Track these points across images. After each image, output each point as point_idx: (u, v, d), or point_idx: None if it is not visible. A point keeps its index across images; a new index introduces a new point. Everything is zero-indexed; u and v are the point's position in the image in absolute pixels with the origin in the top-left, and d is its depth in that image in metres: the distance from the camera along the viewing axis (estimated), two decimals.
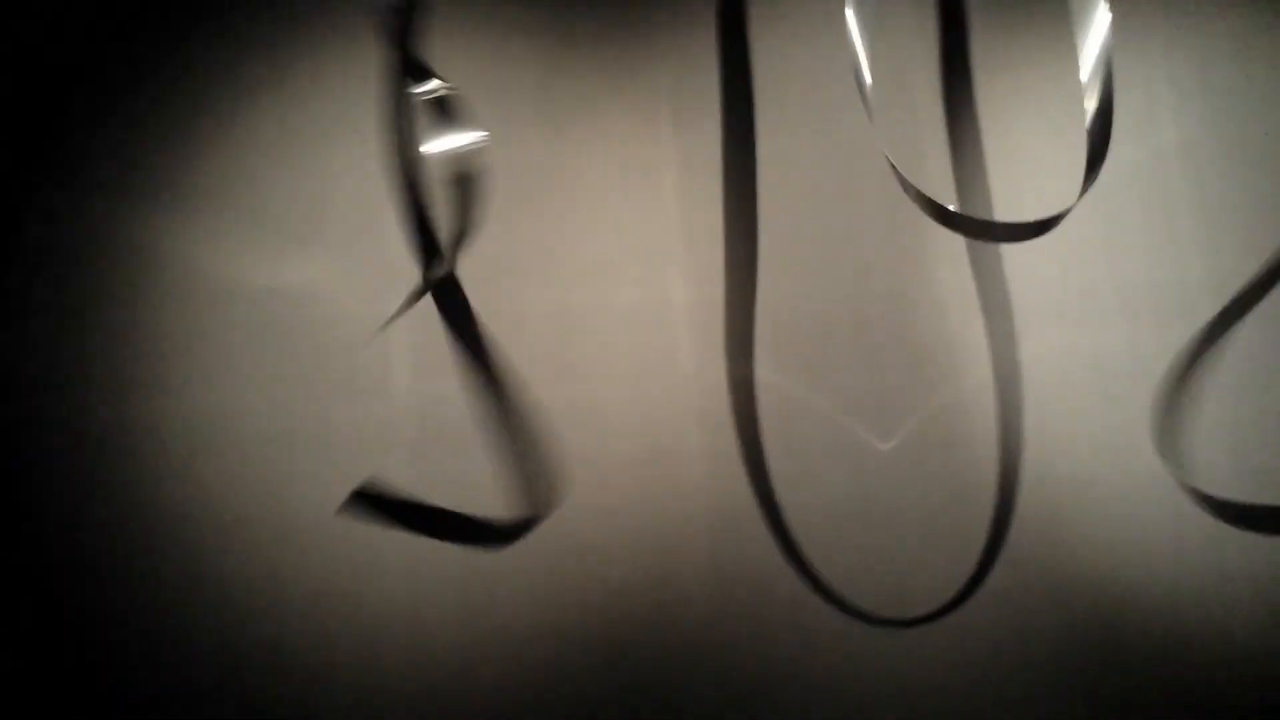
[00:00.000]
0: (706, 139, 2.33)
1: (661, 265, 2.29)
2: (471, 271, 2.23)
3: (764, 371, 2.26)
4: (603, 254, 2.27)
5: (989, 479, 2.28)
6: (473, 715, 2.11)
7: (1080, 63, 2.00)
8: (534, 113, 2.31)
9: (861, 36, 1.94)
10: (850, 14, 1.96)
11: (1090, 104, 2.04)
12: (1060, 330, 2.34)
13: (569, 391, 2.22)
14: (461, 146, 2.00)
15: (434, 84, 2.00)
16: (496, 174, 2.28)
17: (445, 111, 2.02)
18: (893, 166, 1.94)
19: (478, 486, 2.16)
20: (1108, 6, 1.99)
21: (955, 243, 2.35)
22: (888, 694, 2.21)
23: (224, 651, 2.11)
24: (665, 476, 2.23)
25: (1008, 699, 2.23)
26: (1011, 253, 2.34)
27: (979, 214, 2.34)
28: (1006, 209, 2.35)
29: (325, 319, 2.20)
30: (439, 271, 1.99)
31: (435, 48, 2.19)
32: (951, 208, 2.12)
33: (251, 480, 2.15)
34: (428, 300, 2.17)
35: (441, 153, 1.99)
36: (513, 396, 2.18)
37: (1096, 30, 2.02)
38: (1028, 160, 2.38)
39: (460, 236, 2.00)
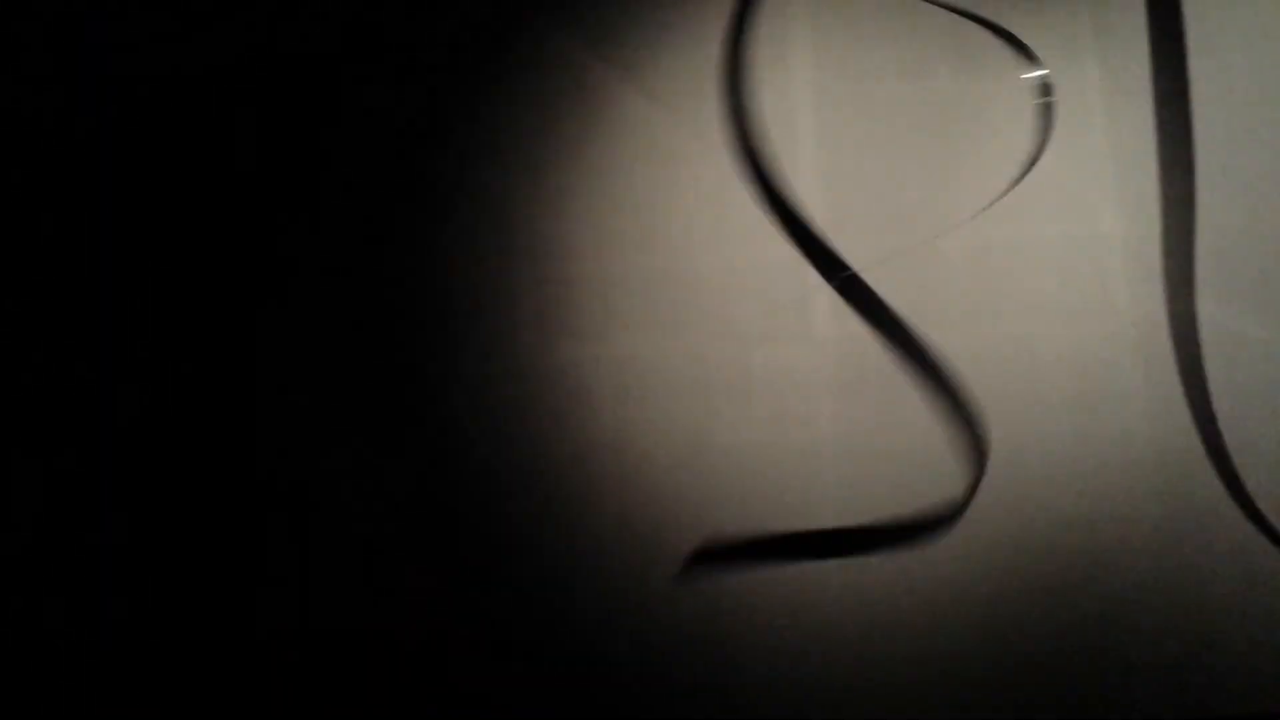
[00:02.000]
0: (1134, 57, 2.17)
1: (1090, 196, 2.16)
2: (886, 211, 2.17)
3: (1207, 306, 2.11)
4: (1023, 186, 2.14)
5: None
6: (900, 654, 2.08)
7: None
8: (944, 45, 2.19)
9: None
10: None
11: None
12: None
13: (993, 333, 2.12)
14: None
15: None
16: (899, 109, 2.21)
17: None
18: None
19: (903, 428, 2.11)
20: None
21: None
22: None
23: (630, 591, 2.11)
24: (1102, 421, 2.12)
25: None
26: None
27: None
28: None
29: (737, 267, 2.16)
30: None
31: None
32: None
33: (672, 424, 2.12)
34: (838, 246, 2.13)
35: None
36: (930, 342, 2.11)
37: None
38: None
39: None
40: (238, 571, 2.10)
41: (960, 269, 2.13)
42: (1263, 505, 2.06)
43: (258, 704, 2.08)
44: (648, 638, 2.09)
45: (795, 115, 2.19)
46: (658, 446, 2.13)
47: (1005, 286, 2.14)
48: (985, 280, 2.14)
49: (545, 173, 2.19)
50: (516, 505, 2.11)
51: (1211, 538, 2.09)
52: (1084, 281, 2.13)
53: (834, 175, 2.18)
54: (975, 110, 2.18)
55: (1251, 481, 2.07)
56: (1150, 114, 2.16)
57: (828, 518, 2.09)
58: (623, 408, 2.13)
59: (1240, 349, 2.11)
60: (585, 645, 2.09)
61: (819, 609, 2.10)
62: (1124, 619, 2.08)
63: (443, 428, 2.13)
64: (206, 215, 2.19)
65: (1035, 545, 2.10)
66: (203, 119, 2.21)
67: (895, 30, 2.21)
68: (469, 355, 2.14)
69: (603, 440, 2.12)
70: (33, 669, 2.09)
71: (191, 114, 2.22)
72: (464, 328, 2.15)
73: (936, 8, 2.18)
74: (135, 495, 2.13)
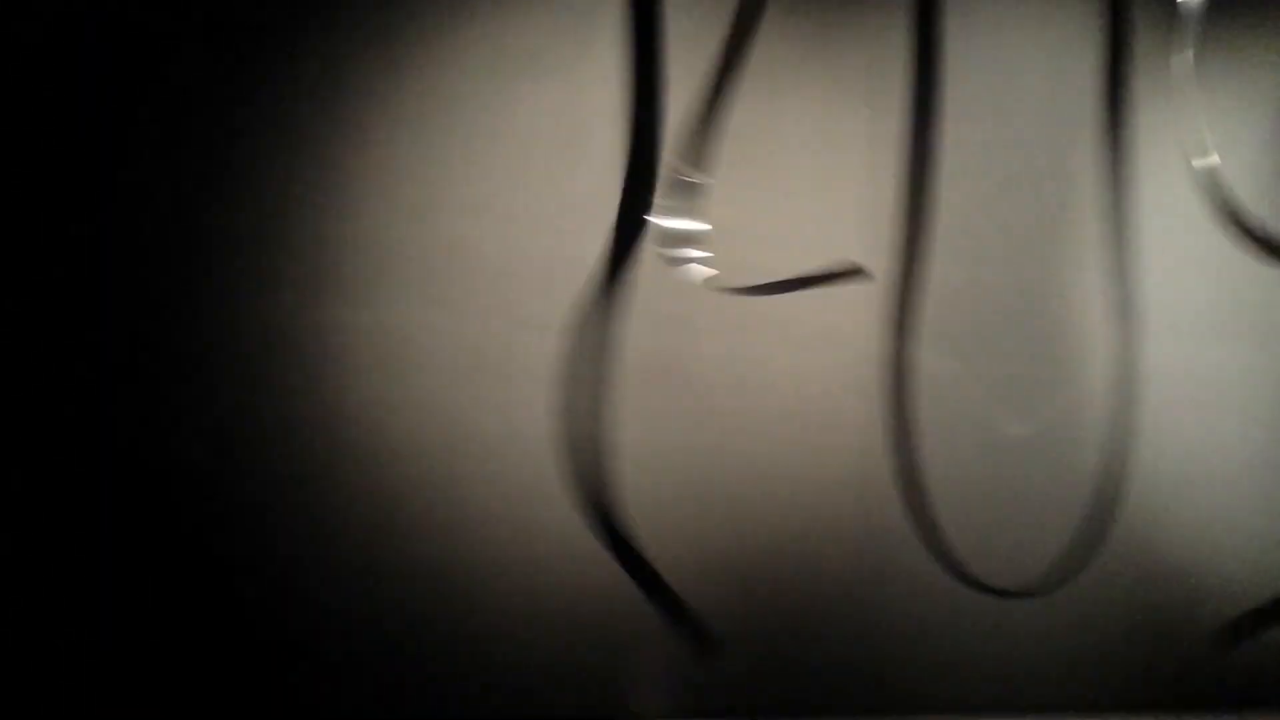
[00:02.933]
0: (892, 120, 2.40)
1: (837, 238, 2.37)
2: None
3: (922, 350, 2.37)
4: (788, 222, 2.33)
5: (1106, 471, 2.46)
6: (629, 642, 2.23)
7: None
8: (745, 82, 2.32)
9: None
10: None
11: None
12: (1182, 343, 2.53)
13: (732, 348, 2.30)
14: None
15: None
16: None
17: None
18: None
19: (653, 428, 2.25)
20: None
21: (1098, 248, 2.50)
22: (998, 660, 2.42)
23: (381, 564, 2.15)
24: (819, 440, 2.35)
25: (1104, 670, 2.47)
26: (1151, 264, 2.50)
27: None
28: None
29: (524, 253, 2.23)
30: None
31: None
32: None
33: (430, 402, 2.17)
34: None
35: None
36: (679, 350, 2.26)
37: None
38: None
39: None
40: None
41: (715, 290, 2.29)
42: (938, 524, 2.35)
43: None
44: (381, 613, 2.14)
45: (601, 110, 2.28)
46: (410, 423, 2.17)
47: (754, 308, 2.31)
48: (739, 301, 2.30)
49: (334, 131, 2.17)
50: (255, 466, 2.10)
51: (896, 556, 2.37)
52: (819, 313, 2.35)
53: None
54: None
55: (935, 505, 2.36)
56: (899, 178, 2.39)
57: (564, 508, 2.21)
58: (380, 380, 2.15)
59: (943, 389, 2.39)
60: (309, 623, 2.13)
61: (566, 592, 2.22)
62: (820, 612, 2.33)
63: (188, 378, 2.09)
64: None
65: (749, 546, 2.30)
66: None
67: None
68: (223, 307, 2.11)
69: (352, 411, 2.14)
70: None
71: None
72: (223, 276, 2.12)
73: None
74: None
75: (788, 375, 2.34)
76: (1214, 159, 2.49)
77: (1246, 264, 2.55)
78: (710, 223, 2.26)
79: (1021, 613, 2.41)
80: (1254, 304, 2.57)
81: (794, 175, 2.36)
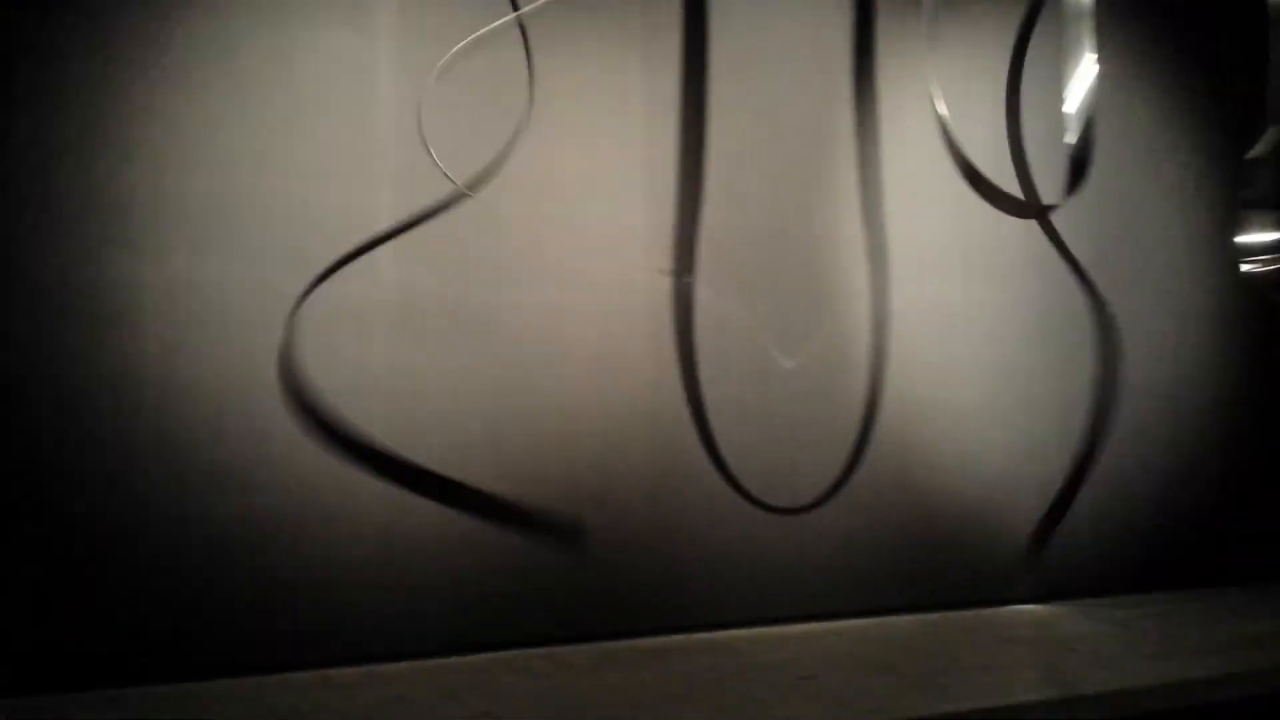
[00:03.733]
0: (669, 83, 2.58)
1: (624, 192, 2.54)
2: (461, 178, 2.38)
3: (702, 288, 2.58)
4: (573, 172, 2.47)
5: (861, 397, 2.77)
6: (440, 574, 2.32)
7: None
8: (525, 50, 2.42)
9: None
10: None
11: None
12: (926, 280, 2.88)
13: (537, 297, 2.43)
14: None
15: None
16: (489, 96, 2.42)
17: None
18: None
19: (449, 374, 2.35)
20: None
21: (853, 199, 2.79)
22: (780, 571, 2.69)
23: (177, 515, 2.14)
24: (615, 374, 2.52)
25: (861, 571, 2.80)
26: (896, 216, 2.82)
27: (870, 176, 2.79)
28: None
29: (314, 202, 2.25)
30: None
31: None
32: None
33: (224, 350, 2.17)
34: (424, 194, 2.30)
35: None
36: (479, 301, 2.37)
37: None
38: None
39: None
40: None
41: (517, 239, 2.40)
42: (721, 448, 2.59)
43: None
44: (181, 562, 2.14)
45: (390, 59, 2.33)
46: (201, 371, 2.16)
47: (554, 258, 2.44)
48: (536, 251, 2.42)
49: (105, 86, 2.12)
50: (46, 418, 2.05)
51: (690, 477, 2.58)
52: (611, 260, 2.51)
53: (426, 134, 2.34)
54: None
55: (718, 431, 2.59)
56: (676, 130, 2.58)
57: (363, 451, 2.28)
58: (168, 331, 2.13)
59: (722, 324, 2.61)
60: (106, 575, 2.10)
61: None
62: (618, 542, 2.51)
63: None
64: None
65: (551, 476, 2.45)
66: None
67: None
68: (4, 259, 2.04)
69: (141, 362, 2.12)
70: None
71: None
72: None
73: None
74: None
75: (585, 318, 2.48)
76: (945, 113, 2.82)
77: (980, 211, 2.91)
78: (507, 174, 2.37)
79: (798, 525, 2.68)
80: (986, 247, 2.94)
81: (581, 129, 2.49)
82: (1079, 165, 2.95)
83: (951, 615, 2.82)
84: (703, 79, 2.61)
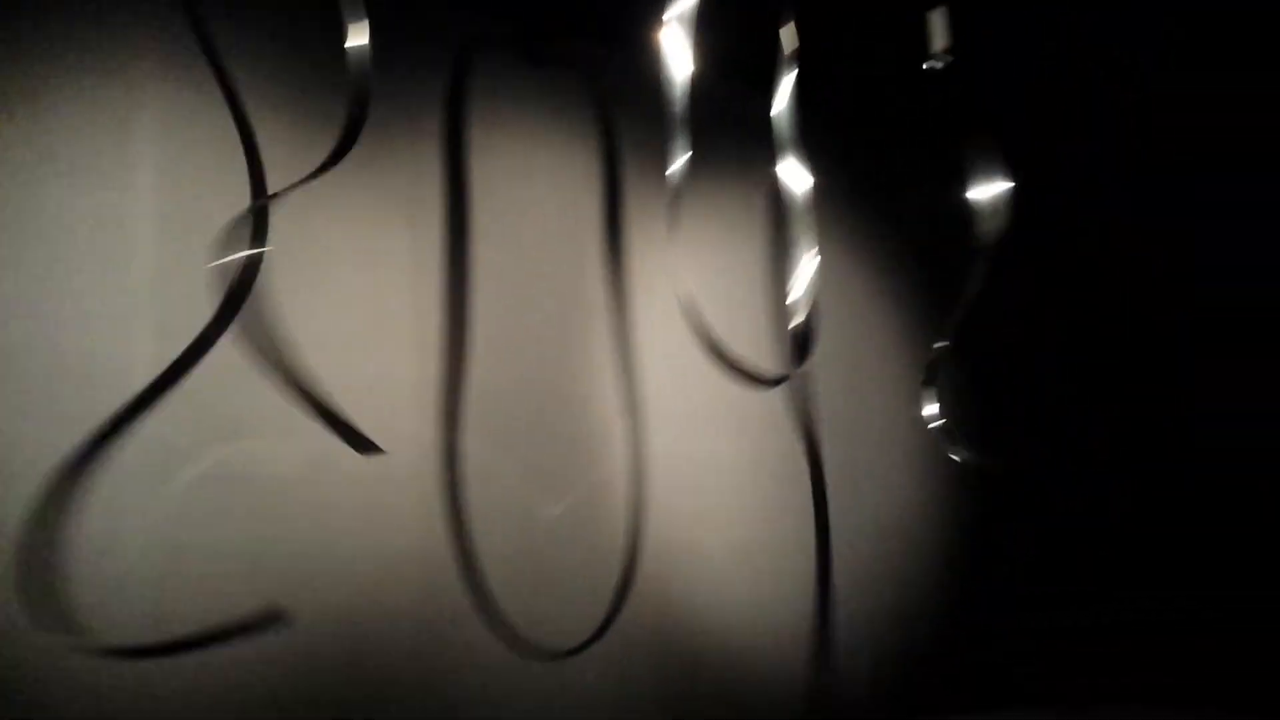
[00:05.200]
0: (432, 245, 2.77)
1: (389, 342, 2.66)
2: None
3: (467, 441, 2.70)
4: (336, 325, 2.57)
5: (621, 542, 2.92)
6: None
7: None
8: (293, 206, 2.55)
9: None
10: None
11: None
12: (679, 434, 3.13)
13: (301, 448, 2.46)
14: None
15: None
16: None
17: None
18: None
19: (210, 529, 2.32)
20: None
21: (608, 359, 3.03)
22: (547, 713, 2.74)
23: None
24: (381, 524, 2.56)
25: (631, 713, 2.89)
26: (648, 375, 3.08)
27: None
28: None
29: (64, 353, 2.23)
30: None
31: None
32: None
33: None
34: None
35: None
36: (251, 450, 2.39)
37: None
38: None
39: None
40: None
41: (277, 391, 2.45)
42: (490, 596, 2.65)
43: None
44: None
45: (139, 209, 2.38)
46: None
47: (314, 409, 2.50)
48: (302, 403, 2.47)
49: None
50: None
51: (456, 626, 2.62)
52: (378, 411, 2.59)
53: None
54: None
55: (490, 578, 2.66)
56: (440, 290, 2.76)
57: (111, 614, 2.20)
58: None
59: (487, 474, 2.73)
60: None
61: None
62: (383, 698, 2.49)
63: None
64: None
65: (317, 626, 2.42)
66: None
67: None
68: None
69: None
70: None
71: None
72: None
73: None
74: None
75: (351, 470, 2.53)
76: (690, 291, 3.14)
77: (722, 374, 3.20)
78: (272, 333, 2.43)
79: (568, 670, 2.75)
80: (729, 402, 3.23)
81: (346, 286, 2.61)
82: (805, 340, 3.25)
83: None
84: (464, 243, 2.82)
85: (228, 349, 2.36)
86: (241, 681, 2.31)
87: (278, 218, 2.49)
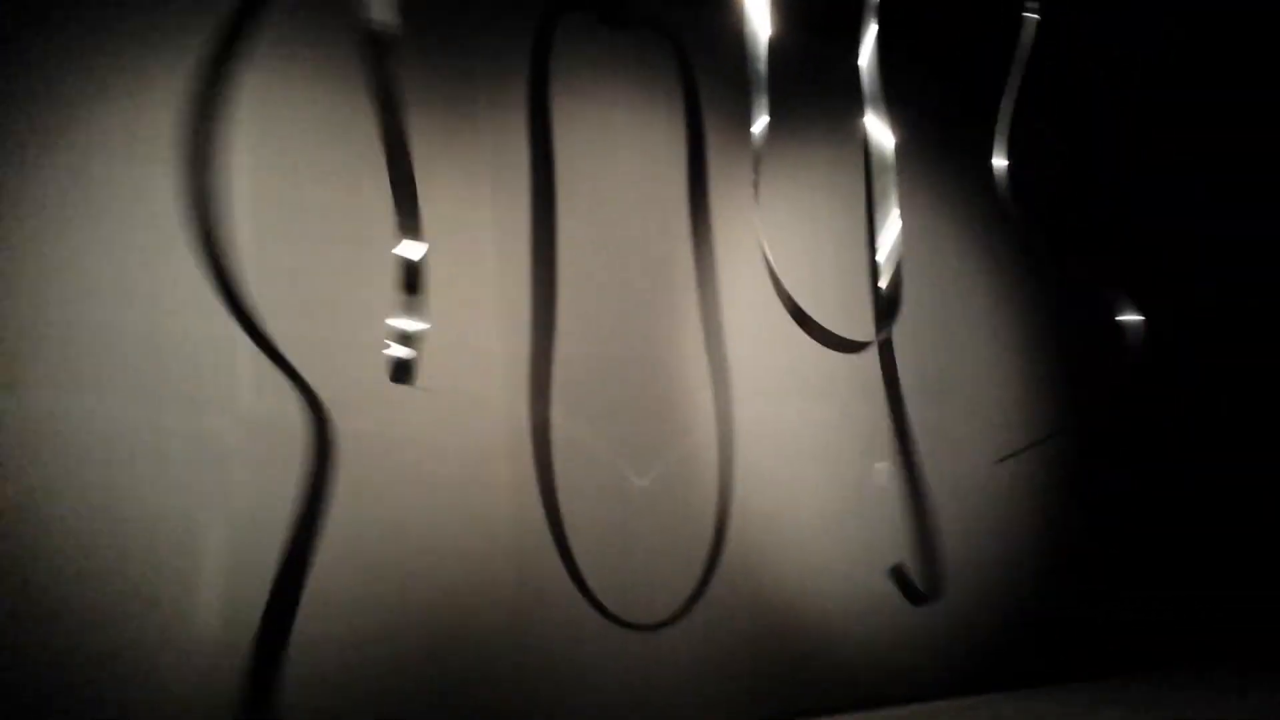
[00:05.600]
0: (519, 217, 2.76)
1: (478, 321, 2.68)
2: (322, 305, 2.46)
3: (558, 414, 2.70)
4: (433, 302, 2.56)
5: (711, 512, 2.91)
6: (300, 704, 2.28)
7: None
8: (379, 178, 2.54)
9: None
10: None
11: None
12: (767, 401, 3.11)
13: (392, 426, 2.49)
14: None
15: None
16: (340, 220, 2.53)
17: None
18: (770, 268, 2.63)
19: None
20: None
21: (695, 328, 3.01)
22: (642, 687, 2.77)
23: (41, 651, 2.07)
24: (476, 498, 2.60)
25: (719, 683, 2.91)
26: (734, 343, 3.04)
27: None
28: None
29: (170, 333, 2.29)
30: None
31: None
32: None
33: (83, 484, 2.15)
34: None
35: None
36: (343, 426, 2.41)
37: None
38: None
39: None
40: None
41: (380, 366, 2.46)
42: (581, 568, 2.66)
43: None
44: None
45: (237, 200, 2.38)
46: (64, 509, 2.12)
47: (406, 388, 2.50)
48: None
49: None
50: None
51: (549, 597, 2.65)
52: (471, 386, 2.62)
53: (268, 262, 2.40)
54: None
55: (578, 551, 2.67)
56: (528, 260, 2.75)
57: (220, 586, 2.26)
58: (30, 467, 2.10)
59: (578, 448, 2.73)
60: None
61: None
62: (483, 655, 2.55)
63: None
64: None
65: (414, 596, 2.47)
66: None
67: (329, 140, 2.56)
68: None
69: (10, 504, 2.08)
70: None
71: None
72: None
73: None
74: None
75: (447, 444, 2.57)
76: (771, 258, 3.08)
77: (808, 339, 3.15)
78: (361, 306, 2.45)
79: (658, 641, 2.76)
80: (816, 368, 3.18)
81: (435, 261, 2.59)
82: (892, 303, 3.17)
83: None
84: (550, 215, 2.80)
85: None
86: (337, 655, 2.37)
87: (359, 194, 2.51)
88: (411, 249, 2.30)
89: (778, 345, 3.12)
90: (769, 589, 3.04)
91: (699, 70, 3.14)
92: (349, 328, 2.47)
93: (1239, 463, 3.99)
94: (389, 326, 2.30)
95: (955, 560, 3.31)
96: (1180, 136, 4.07)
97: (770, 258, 2.86)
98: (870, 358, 3.21)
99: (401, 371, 2.30)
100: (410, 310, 2.31)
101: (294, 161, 2.50)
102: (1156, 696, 3.18)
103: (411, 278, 2.29)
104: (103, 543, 2.15)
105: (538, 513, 2.64)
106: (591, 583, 2.67)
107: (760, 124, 3.01)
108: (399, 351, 2.29)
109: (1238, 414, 4.07)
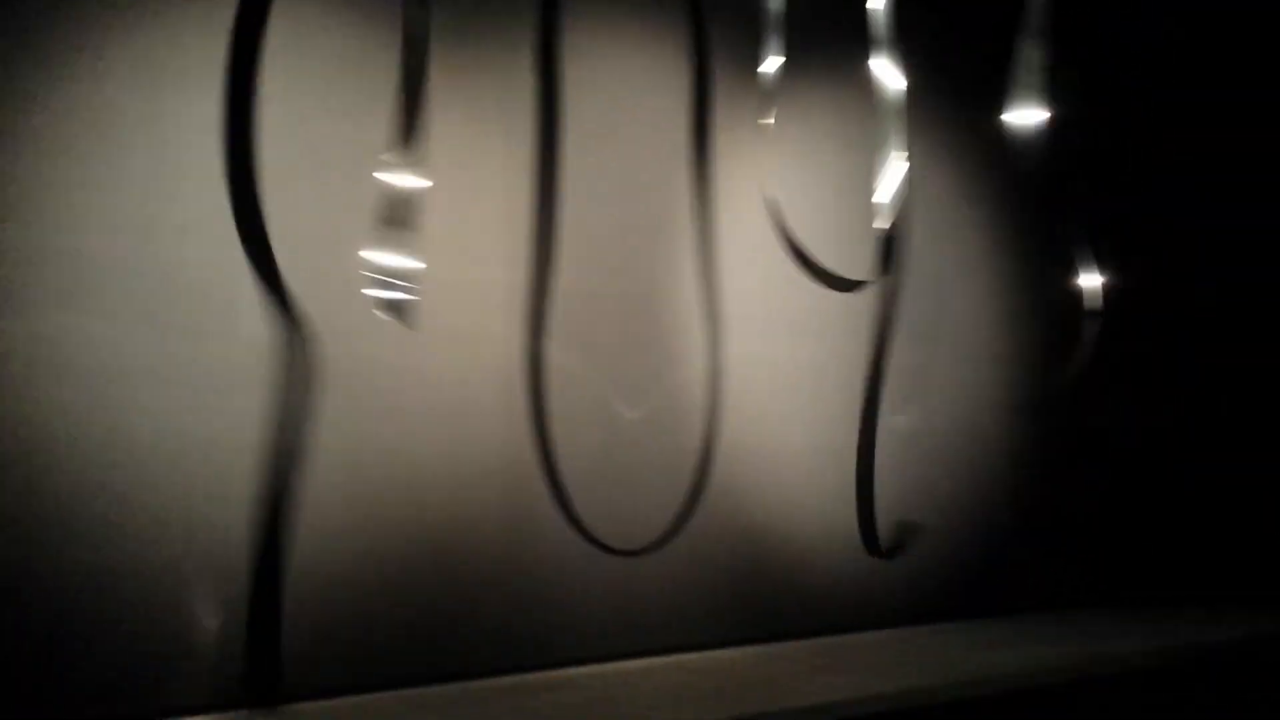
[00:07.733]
0: (522, 147, 2.78)
1: (478, 249, 2.73)
2: (320, 235, 2.50)
3: (551, 347, 2.76)
4: (436, 233, 2.61)
5: (698, 445, 2.99)
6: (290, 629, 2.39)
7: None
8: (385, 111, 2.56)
9: None
10: None
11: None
12: (756, 340, 3.18)
13: (387, 353, 2.56)
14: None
15: None
16: (350, 154, 2.56)
17: None
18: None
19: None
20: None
21: (690, 265, 3.05)
22: (628, 611, 2.92)
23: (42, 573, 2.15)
24: (468, 432, 2.69)
25: (702, 608, 3.05)
26: (729, 281, 3.09)
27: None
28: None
29: (179, 262, 2.33)
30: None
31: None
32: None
33: (84, 407, 2.22)
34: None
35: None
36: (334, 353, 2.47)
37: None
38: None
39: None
40: None
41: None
42: (570, 496, 2.74)
43: None
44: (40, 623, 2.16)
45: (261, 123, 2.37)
46: (68, 431, 2.19)
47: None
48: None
49: None
50: None
51: (538, 525, 2.76)
52: (464, 317, 2.68)
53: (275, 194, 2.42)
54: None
55: (568, 480, 2.75)
56: (530, 193, 2.78)
57: (227, 509, 2.35)
58: (34, 389, 2.15)
59: (570, 380, 2.81)
60: None
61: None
62: (472, 580, 2.66)
63: None
64: None
65: (403, 521, 2.58)
66: None
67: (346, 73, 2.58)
68: None
69: (6, 421, 2.14)
70: None
71: None
72: None
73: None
74: None
75: (437, 372, 2.64)
76: (775, 193, 3.11)
77: (803, 278, 3.20)
78: (363, 234, 2.48)
79: (642, 568, 2.87)
80: (810, 307, 3.25)
81: (438, 192, 2.62)
82: (889, 245, 3.20)
83: (787, 645, 3.11)
84: (555, 149, 2.81)
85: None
86: (329, 582, 2.48)
87: (369, 129, 2.53)
88: (412, 181, 2.36)
89: (773, 283, 3.18)
90: (751, 520, 3.16)
91: (708, 7, 3.12)
92: (348, 259, 2.50)
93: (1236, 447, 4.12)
94: (381, 262, 2.34)
95: (933, 494, 3.47)
96: (1180, 136, 4.10)
97: (768, 192, 2.90)
98: (864, 299, 3.26)
99: (393, 308, 2.36)
100: (405, 244, 2.35)
101: (307, 93, 2.53)
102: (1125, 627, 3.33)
103: (406, 211, 2.34)
104: (107, 459, 2.22)
105: (526, 442, 2.72)
106: (579, 510, 2.76)
107: (769, 64, 3.02)
108: (392, 287, 2.34)
109: (1237, 414, 4.16)
